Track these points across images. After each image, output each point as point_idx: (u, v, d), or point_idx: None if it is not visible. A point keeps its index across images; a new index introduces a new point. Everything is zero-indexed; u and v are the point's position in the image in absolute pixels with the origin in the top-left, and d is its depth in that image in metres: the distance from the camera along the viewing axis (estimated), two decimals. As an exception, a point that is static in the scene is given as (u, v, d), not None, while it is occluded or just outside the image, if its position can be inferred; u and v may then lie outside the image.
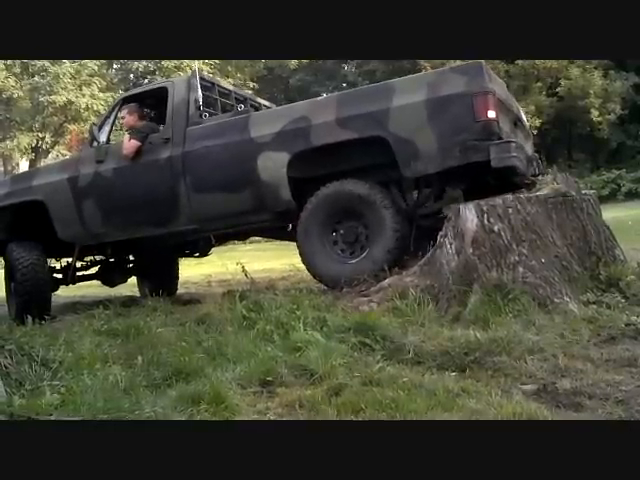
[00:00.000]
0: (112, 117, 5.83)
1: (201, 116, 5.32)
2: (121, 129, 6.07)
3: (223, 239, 6.42)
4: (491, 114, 4.36)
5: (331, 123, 4.74)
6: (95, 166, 5.53)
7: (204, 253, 6.50)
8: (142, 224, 5.38)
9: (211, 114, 5.47)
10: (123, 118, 5.66)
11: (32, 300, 5.39)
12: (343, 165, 4.81)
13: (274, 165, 4.86)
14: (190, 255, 6.65)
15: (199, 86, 5.36)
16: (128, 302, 5.78)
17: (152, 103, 5.79)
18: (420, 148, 4.47)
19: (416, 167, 4.52)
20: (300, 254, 4.95)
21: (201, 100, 5.33)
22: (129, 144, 5.38)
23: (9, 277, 5.81)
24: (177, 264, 7.12)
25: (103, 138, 5.65)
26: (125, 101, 5.86)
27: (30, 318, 4.55)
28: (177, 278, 7.13)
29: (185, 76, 5.62)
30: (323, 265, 4.82)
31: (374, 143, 4.60)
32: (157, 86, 6.14)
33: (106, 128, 5.73)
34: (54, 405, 2.62)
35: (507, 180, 4.71)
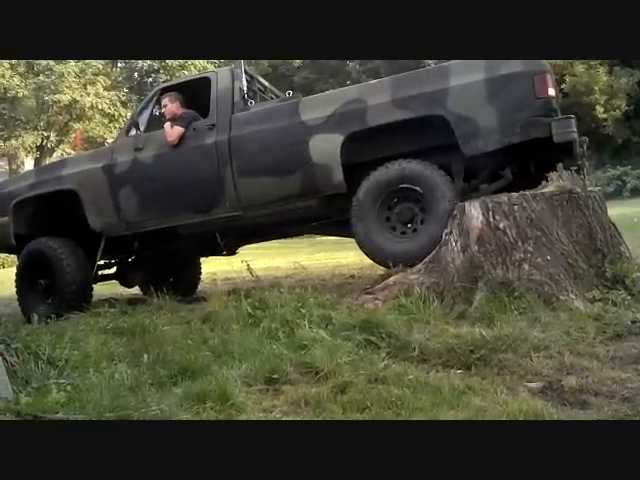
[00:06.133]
0: (150, 107, 5.77)
1: (246, 104, 5.29)
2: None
3: (262, 235, 6.14)
4: (551, 92, 4.49)
5: (387, 104, 4.72)
6: (133, 154, 5.47)
7: (231, 251, 6.15)
8: (182, 211, 5.30)
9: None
10: (165, 106, 5.55)
11: (78, 300, 5.34)
12: (395, 149, 4.76)
13: (327, 146, 4.82)
14: (216, 253, 6.30)
15: (243, 76, 5.34)
16: (133, 300, 5.79)
17: (191, 95, 5.67)
18: (480, 125, 4.49)
19: (476, 144, 4.51)
20: (355, 233, 4.82)
21: (245, 88, 5.32)
22: (172, 131, 5.30)
23: (34, 274, 5.69)
24: (200, 265, 6.86)
25: (141, 127, 5.58)
26: (163, 91, 5.78)
27: (36, 317, 4.56)
28: (199, 280, 6.85)
29: (228, 67, 5.59)
30: (378, 244, 4.71)
31: (430, 124, 4.58)
32: (198, 77, 6.06)
33: (144, 118, 5.67)
34: (60, 403, 2.63)
35: (552, 165, 4.62)
